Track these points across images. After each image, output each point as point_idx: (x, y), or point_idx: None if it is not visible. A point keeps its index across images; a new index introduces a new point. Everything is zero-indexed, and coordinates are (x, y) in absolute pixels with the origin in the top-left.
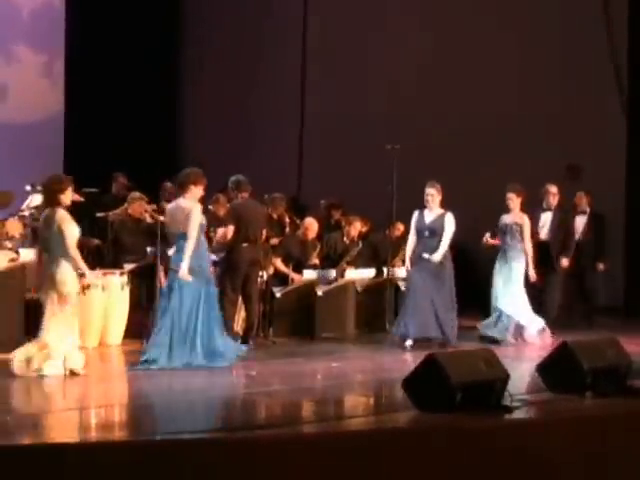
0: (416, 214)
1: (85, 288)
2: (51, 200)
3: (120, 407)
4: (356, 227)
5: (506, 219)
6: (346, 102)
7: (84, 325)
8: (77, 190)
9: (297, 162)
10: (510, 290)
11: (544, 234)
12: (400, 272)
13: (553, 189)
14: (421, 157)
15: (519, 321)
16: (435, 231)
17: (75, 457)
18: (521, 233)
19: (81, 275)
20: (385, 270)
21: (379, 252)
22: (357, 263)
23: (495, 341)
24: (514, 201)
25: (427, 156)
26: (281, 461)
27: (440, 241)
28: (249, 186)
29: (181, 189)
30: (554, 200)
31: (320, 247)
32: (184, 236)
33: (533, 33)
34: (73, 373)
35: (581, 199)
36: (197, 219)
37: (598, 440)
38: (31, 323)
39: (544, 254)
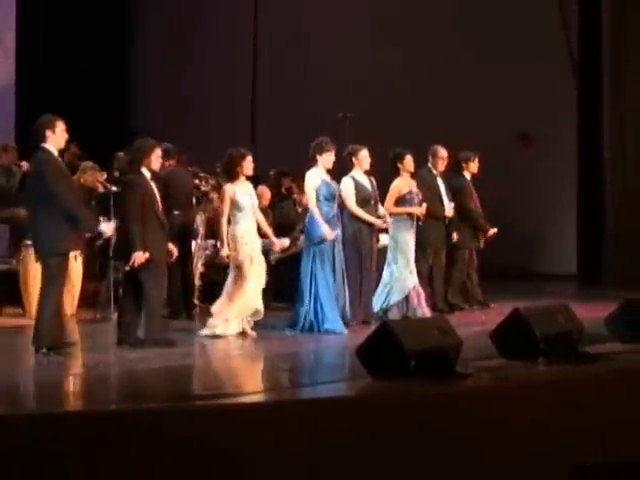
0: (352, 182)
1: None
2: (230, 175)
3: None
4: None
5: (412, 186)
6: (298, 70)
7: (37, 296)
8: (30, 160)
9: (250, 132)
10: None
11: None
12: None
13: (443, 153)
14: (374, 125)
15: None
16: (376, 199)
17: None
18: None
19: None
20: None
21: None
22: None
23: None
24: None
25: (380, 124)
26: (233, 430)
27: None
28: (177, 154)
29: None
30: (442, 165)
31: (272, 216)
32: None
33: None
34: (244, 333)
35: (467, 163)
36: (308, 187)
37: (551, 406)
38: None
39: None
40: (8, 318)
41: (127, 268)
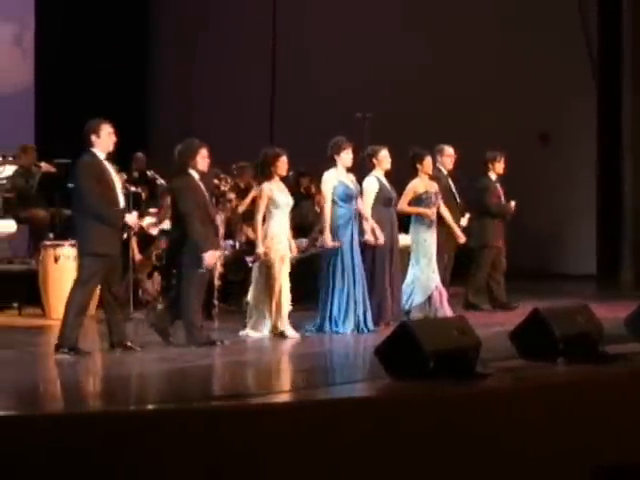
0: (377, 181)
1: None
2: (264, 174)
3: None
4: None
5: (429, 187)
6: (318, 69)
7: (58, 296)
8: (49, 161)
9: (269, 132)
10: None
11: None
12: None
13: (450, 151)
14: (394, 125)
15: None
16: (396, 201)
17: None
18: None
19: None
20: None
21: None
22: None
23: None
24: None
25: (400, 124)
26: (252, 431)
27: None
28: None
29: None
30: (451, 163)
31: (292, 216)
32: None
33: (507, 1)
34: (282, 335)
35: (493, 164)
36: (325, 187)
37: (571, 406)
38: (3, 295)
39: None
40: (27, 318)
41: (203, 271)
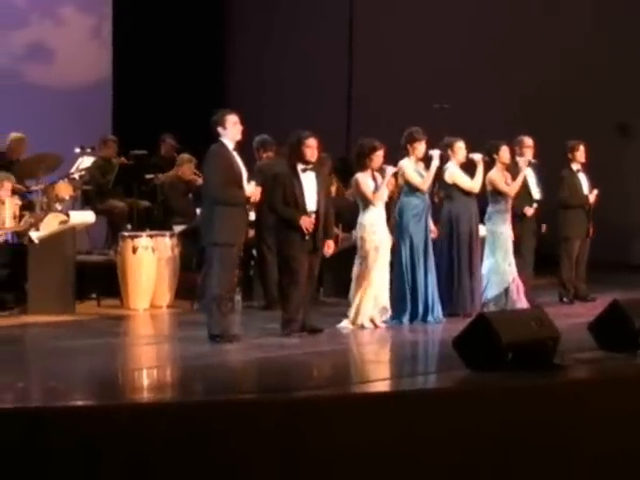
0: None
1: None
2: (360, 165)
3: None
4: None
5: (506, 178)
6: (395, 60)
7: (134, 287)
8: (126, 153)
9: (345, 123)
10: None
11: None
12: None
13: (529, 142)
14: (471, 116)
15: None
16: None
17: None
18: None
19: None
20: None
21: None
22: None
23: None
24: None
25: (478, 115)
26: (329, 422)
27: None
28: (275, 146)
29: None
30: (530, 155)
31: None
32: None
33: None
34: (363, 326)
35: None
36: (407, 171)
37: None
38: (82, 286)
39: None
40: (106, 309)
41: (307, 238)
